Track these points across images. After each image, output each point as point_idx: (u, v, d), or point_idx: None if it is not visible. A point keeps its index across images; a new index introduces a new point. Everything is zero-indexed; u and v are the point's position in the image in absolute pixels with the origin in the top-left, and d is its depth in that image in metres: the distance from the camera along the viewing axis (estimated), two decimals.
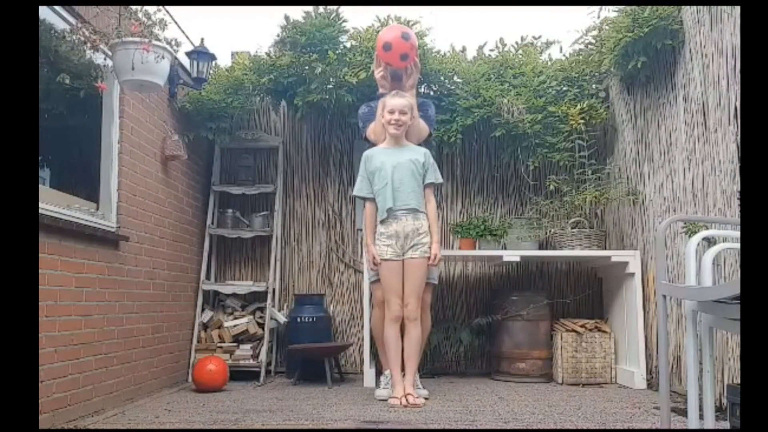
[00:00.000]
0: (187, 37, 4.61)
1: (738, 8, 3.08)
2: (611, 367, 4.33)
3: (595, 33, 4.52)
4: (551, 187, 4.66)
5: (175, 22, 4.21)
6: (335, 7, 4.57)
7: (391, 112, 3.66)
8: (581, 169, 4.53)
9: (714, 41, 3.37)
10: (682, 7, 3.75)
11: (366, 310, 4.32)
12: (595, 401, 3.60)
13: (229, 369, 4.21)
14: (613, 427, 2.89)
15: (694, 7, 3.61)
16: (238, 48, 5.36)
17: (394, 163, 3.64)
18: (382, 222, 3.65)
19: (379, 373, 4.01)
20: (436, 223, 3.73)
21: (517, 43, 4.94)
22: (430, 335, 4.74)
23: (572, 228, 4.43)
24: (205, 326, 4.73)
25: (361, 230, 4.93)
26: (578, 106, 4.53)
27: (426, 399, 3.58)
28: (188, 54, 4.59)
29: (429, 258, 3.62)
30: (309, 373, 4.37)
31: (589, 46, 4.64)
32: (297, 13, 4.62)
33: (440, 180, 3.77)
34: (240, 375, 4.51)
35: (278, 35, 4.61)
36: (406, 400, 3.41)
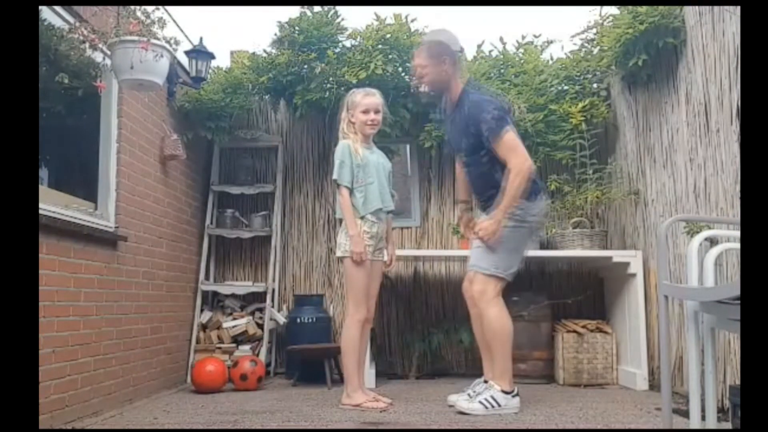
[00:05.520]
0: (185, 36, 4.60)
1: (740, 7, 3.06)
2: (613, 368, 4.31)
3: (596, 29, 4.51)
4: (552, 186, 4.64)
5: (174, 21, 4.20)
6: (333, 7, 4.56)
7: (366, 111, 3.52)
8: (582, 169, 4.51)
9: (717, 40, 3.34)
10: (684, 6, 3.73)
11: None
12: (597, 402, 3.58)
13: (228, 370, 4.19)
14: (614, 428, 2.87)
15: (696, 6, 3.59)
16: (237, 47, 5.35)
17: (376, 163, 3.56)
18: (363, 219, 3.46)
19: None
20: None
21: (518, 41, 4.93)
22: (430, 336, 4.74)
23: (573, 228, 4.41)
24: (204, 327, 4.72)
25: None
26: (580, 104, 4.51)
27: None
28: (187, 53, 4.57)
29: (385, 263, 3.63)
30: (308, 374, 4.35)
31: (591, 43, 4.63)
32: (295, 12, 4.62)
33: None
34: None
35: (276, 34, 4.59)
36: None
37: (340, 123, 3.62)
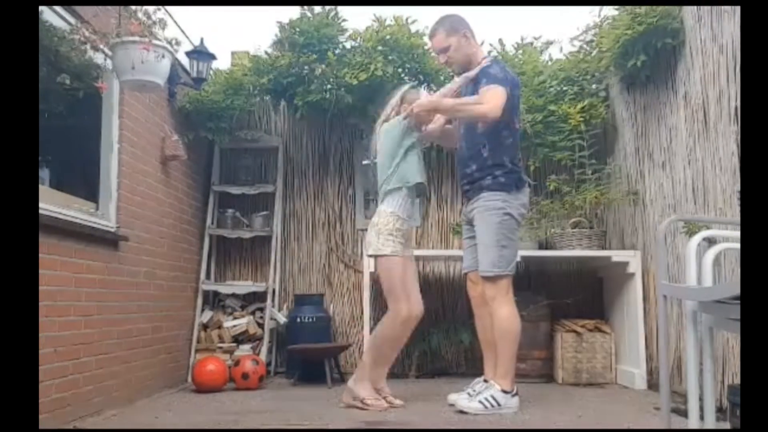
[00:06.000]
0: (186, 36, 4.60)
1: (739, 7, 3.07)
2: (612, 368, 4.32)
3: (595, 31, 4.52)
4: (551, 187, 4.65)
5: (175, 22, 4.21)
6: (333, 7, 4.57)
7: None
8: (581, 169, 4.53)
9: (715, 40, 3.36)
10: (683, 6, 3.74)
11: (366, 310, 4.32)
12: (596, 402, 3.59)
13: (228, 369, 4.20)
14: (613, 428, 2.88)
15: (695, 6, 3.60)
16: (238, 48, 5.36)
17: None
18: (400, 217, 3.35)
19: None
20: None
21: (517, 43, 4.94)
22: (430, 335, 4.75)
23: (572, 228, 4.42)
24: (204, 326, 4.73)
25: (362, 230, 4.92)
26: (579, 105, 4.53)
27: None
28: (188, 54, 4.58)
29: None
30: (309, 374, 4.36)
31: (590, 44, 4.64)
32: (296, 12, 4.62)
33: None
34: None
35: (276, 35, 4.60)
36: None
37: (387, 107, 3.55)
